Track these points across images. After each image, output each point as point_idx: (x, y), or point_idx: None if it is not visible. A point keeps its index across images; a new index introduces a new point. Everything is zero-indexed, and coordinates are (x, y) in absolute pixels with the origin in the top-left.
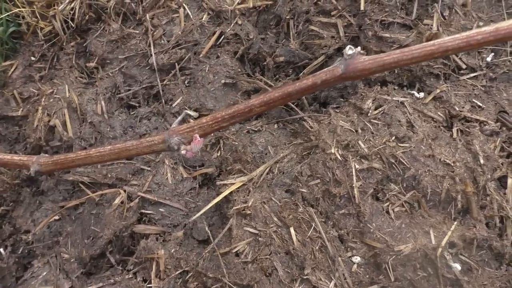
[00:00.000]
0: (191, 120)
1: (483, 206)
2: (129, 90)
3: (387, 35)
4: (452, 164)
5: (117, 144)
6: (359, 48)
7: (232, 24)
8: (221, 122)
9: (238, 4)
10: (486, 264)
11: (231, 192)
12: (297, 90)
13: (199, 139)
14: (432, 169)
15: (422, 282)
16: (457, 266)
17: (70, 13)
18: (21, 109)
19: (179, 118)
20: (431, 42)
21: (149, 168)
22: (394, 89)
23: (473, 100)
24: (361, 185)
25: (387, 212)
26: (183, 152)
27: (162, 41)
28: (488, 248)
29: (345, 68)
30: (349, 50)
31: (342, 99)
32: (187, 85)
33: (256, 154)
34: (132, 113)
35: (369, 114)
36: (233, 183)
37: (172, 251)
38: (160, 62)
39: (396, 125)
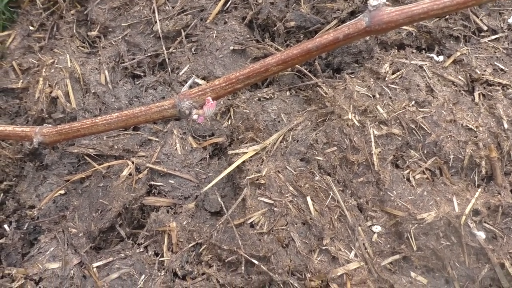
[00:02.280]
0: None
1: (508, 172)
2: (134, 59)
3: None
4: (475, 129)
5: (124, 111)
6: None
7: None
8: (235, 84)
9: None
10: None
11: (243, 162)
12: (317, 46)
13: (212, 102)
14: (454, 134)
15: (446, 251)
16: (482, 234)
17: None
18: (21, 80)
19: (188, 82)
20: None
21: (157, 139)
22: (412, 52)
23: (495, 63)
24: (380, 151)
25: (408, 179)
26: (195, 117)
27: (167, 7)
28: None
29: (370, 21)
30: (373, 1)
31: (356, 65)
32: (194, 52)
33: (268, 122)
34: (137, 82)
35: (386, 79)
36: (246, 152)
37: (184, 223)
38: (165, 29)
39: (415, 89)
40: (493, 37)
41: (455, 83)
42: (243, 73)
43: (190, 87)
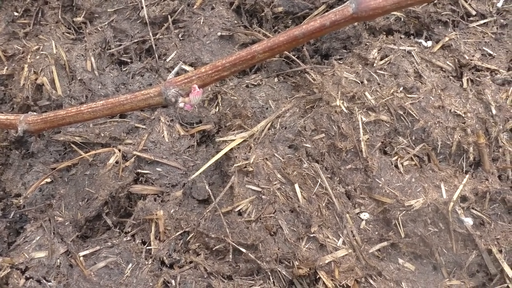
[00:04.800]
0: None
1: (496, 158)
2: (120, 45)
3: None
4: (463, 115)
5: (110, 99)
6: None
7: None
8: (222, 71)
9: None
10: (499, 217)
11: (231, 149)
12: (303, 33)
13: (198, 90)
14: (442, 120)
15: (433, 238)
16: (469, 221)
17: None
18: (6, 67)
19: (175, 70)
20: None
21: (144, 126)
22: (401, 38)
23: (484, 48)
24: (368, 138)
25: (396, 166)
26: (181, 104)
27: None
28: (501, 201)
29: (357, 7)
30: None
31: (345, 51)
32: (181, 38)
33: (256, 109)
34: (124, 69)
35: (374, 65)
36: (233, 140)
37: (172, 211)
38: (152, 15)
39: (404, 75)
40: (482, 21)
41: (443, 69)
42: (230, 61)
43: (177, 73)
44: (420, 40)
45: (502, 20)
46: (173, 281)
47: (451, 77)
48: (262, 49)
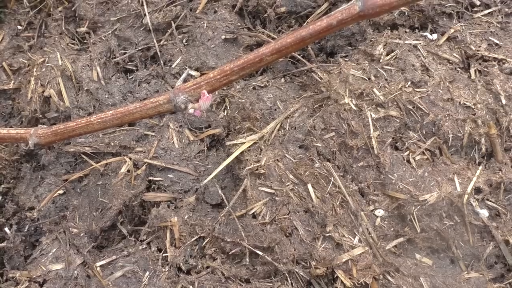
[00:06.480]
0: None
1: (508, 148)
2: (125, 53)
3: None
4: (473, 107)
5: (119, 109)
6: None
7: None
8: (230, 75)
9: None
10: None
11: (242, 152)
12: (311, 33)
13: (207, 95)
14: (452, 113)
15: (449, 231)
16: (485, 212)
17: None
18: (13, 81)
19: (182, 76)
20: None
21: (153, 133)
22: (406, 32)
23: (490, 38)
24: (378, 134)
25: (408, 161)
26: (191, 111)
27: None
28: None
29: (363, 5)
30: None
31: (350, 47)
32: (186, 43)
33: (265, 111)
34: (130, 77)
35: (381, 60)
36: (244, 142)
37: (186, 217)
38: (155, 22)
39: (411, 69)
40: (486, 11)
41: (450, 61)
42: (238, 65)
43: (185, 80)
44: (425, 33)
45: (506, 9)
46: (191, 287)
47: (458, 69)
48: (270, 51)
